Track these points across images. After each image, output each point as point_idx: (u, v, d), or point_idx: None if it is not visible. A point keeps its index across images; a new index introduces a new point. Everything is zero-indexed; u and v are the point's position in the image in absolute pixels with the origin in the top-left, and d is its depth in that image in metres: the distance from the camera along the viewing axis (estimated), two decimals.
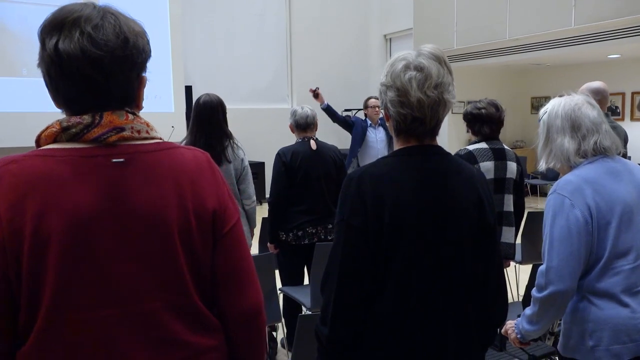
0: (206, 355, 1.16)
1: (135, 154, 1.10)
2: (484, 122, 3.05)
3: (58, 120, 1.07)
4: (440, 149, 1.41)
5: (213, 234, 1.16)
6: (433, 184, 1.35)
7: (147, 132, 1.13)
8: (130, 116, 1.11)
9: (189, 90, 8.56)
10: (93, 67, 1.04)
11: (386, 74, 1.37)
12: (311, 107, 3.65)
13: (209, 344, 1.17)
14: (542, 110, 1.91)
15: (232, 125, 3.34)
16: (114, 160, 1.07)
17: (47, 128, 1.08)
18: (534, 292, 1.78)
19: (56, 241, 1.00)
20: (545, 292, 1.72)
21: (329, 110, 5.83)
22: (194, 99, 3.51)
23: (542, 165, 1.89)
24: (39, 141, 1.09)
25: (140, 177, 1.08)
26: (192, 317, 1.14)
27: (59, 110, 1.14)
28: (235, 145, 3.29)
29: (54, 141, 1.07)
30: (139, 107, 1.17)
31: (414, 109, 1.32)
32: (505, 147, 3.12)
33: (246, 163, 3.36)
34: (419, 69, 1.32)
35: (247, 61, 9.87)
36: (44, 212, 1.00)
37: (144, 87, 1.17)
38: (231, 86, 9.17)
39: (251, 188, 3.38)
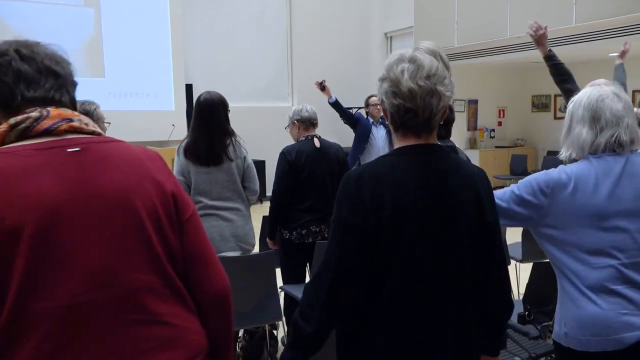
0: (190, 337, 1.17)
1: (88, 144, 1.14)
2: (446, 123, 3.07)
3: (7, 122, 1.10)
4: (439, 146, 1.41)
5: (177, 217, 1.19)
6: (433, 182, 1.35)
7: (93, 126, 1.18)
8: (75, 112, 1.18)
9: (189, 88, 8.58)
10: (22, 59, 1.12)
11: (383, 69, 1.38)
12: (311, 105, 3.64)
13: (191, 327, 1.18)
14: (570, 100, 1.91)
15: (233, 124, 3.33)
16: (69, 150, 1.11)
17: None
18: None
19: (26, 230, 1.01)
20: None
21: (336, 105, 5.75)
22: (195, 97, 3.49)
23: (562, 154, 1.90)
24: None
25: (97, 164, 1.13)
26: (173, 298, 1.15)
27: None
28: (237, 143, 3.28)
29: (4, 142, 1.10)
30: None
31: (405, 99, 1.33)
32: (456, 145, 3.10)
33: (249, 161, 3.34)
34: (412, 60, 1.33)
35: (248, 59, 9.86)
36: (11, 203, 1.01)
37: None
38: (231, 84, 9.15)
39: (255, 184, 3.35)
